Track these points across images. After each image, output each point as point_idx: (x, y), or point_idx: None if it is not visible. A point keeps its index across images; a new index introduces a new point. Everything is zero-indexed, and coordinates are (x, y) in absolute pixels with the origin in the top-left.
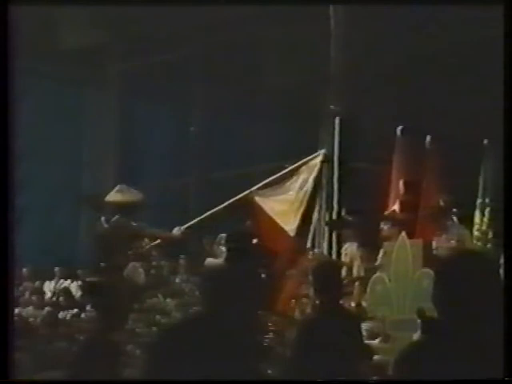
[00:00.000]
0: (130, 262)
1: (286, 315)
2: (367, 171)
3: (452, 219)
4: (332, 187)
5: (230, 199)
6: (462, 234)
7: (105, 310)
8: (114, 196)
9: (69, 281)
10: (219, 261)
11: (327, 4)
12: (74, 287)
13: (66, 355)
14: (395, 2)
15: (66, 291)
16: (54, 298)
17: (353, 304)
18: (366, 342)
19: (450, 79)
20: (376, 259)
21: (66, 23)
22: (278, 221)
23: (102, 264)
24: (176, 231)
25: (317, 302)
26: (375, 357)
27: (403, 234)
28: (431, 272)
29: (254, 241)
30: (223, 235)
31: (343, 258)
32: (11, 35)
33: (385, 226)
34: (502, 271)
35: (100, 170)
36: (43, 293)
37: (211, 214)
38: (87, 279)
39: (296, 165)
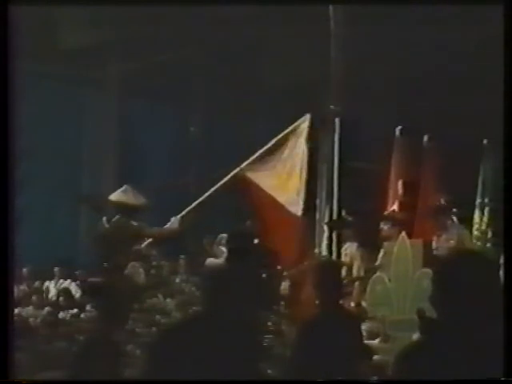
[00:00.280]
0: (130, 262)
1: (286, 315)
2: (367, 171)
3: (452, 219)
4: (332, 187)
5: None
6: (461, 233)
7: (105, 309)
8: (118, 195)
9: (69, 281)
10: (220, 261)
11: (327, 4)
12: (74, 287)
13: (66, 355)
14: (395, 2)
15: (66, 291)
16: (54, 298)
17: (353, 304)
18: (366, 341)
19: (449, 79)
20: (376, 259)
21: (66, 23)
22: (274, 194)
23: (103, 264)
24: (172, 221)
25: (317, 301)
26: (375, 357)
27: (403, 234)
28: (431, 272)
29: (255, 241)
30: (224, 235)
31: (343, 258)
32: (11, 35)
33: (385, 226)
34: (501, 271)
35: (100, 170)
36: (43, 293)
37: (206, 198)
38: (88, 279)
39: (283, 133)
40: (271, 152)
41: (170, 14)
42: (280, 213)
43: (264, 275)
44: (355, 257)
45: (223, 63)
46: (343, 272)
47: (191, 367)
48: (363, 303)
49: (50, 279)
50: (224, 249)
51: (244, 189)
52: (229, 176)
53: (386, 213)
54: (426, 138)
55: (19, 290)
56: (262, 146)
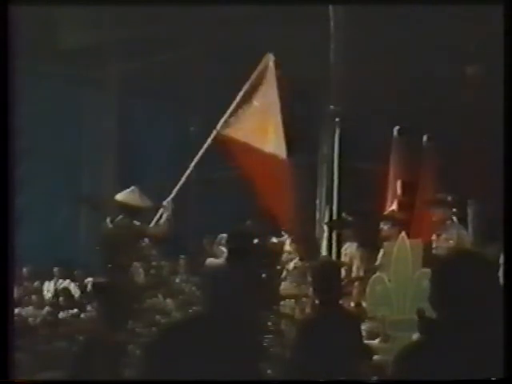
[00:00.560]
0: (133, 262)
1: (286, 315)
2: (367, 171)
3: (451, 219)
4: (332, 187)
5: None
6: (461, 233)
7: (105, 309)
8: (125, 196)
9: (68, 281)
10: (220, 261)
11: (327, 4)
12: (74, 287)
13: (66, 355)
14: (395, 2)
15: (66, 291)
16: (54, 298)
17: (353, 304)
18: (366, 342)
19: (449, 79)
20: (376, 259)
21: (66, 23)
22: (256, 144)
23: (106, 264)
24: (165, 205)
25: (317, 301)
26: (375, 357)
27: (403, 234)
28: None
29: (255, 241)
30: (223, 235)
31: (343, 258)
32: (11, 35)
33: (385, 226)
34: (501, 271)
35: (100, 170)
36: (43, 293)
37: (193, 168)
38: (89, 279)
39: (250, 80)
40: (243, 103)
41: (170, 14)
42: (266, 159)
43: (264, 275)
44: (355, 257)
45: (223, 63)
46: (343, 272)
47: (191, 367)
48: (363, 303)
49: (50, 279)
50: (224, 249)
51: (227, 148)
52: (208, 141)
53: (385, 213)
54: (425, 137)
55: (19, 290)
56: None
